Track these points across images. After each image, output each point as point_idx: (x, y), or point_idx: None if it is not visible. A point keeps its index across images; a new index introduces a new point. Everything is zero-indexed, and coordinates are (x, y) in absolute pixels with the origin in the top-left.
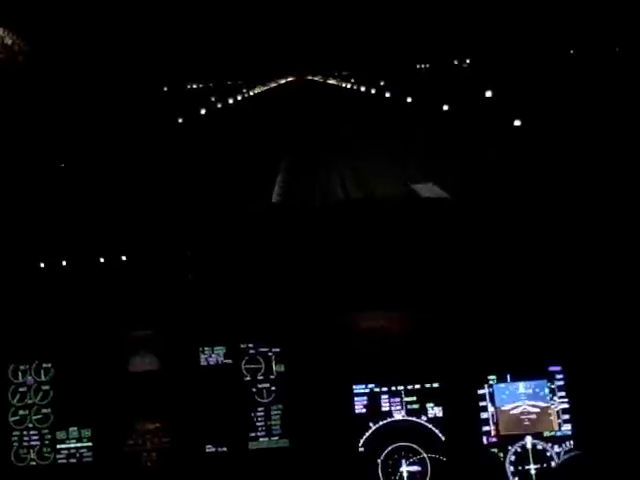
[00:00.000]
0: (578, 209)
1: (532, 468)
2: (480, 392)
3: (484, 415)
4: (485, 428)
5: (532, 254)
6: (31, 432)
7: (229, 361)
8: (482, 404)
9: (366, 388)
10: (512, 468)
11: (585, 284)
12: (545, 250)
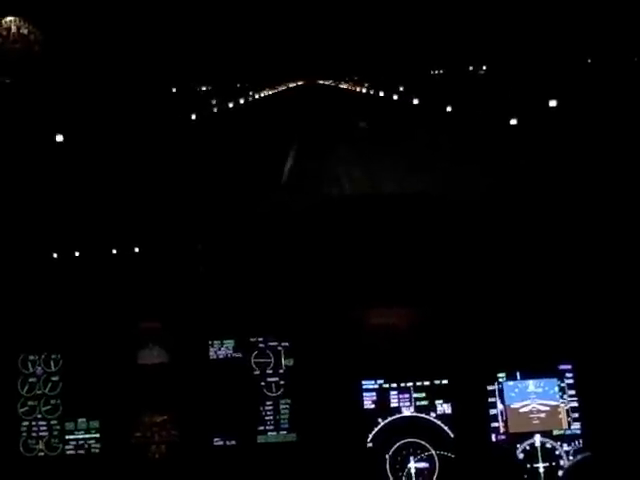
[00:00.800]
0: (591, 208)
1: (541, 466)
2: (489, 388)
3: (493, 411)
4: (494, 424)
5: (544, 251)
6: (40, 423)
7: (238, 355)
8: (491, 400)
9: (375, 384)
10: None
11: (595, 282)
12: (557, 247)
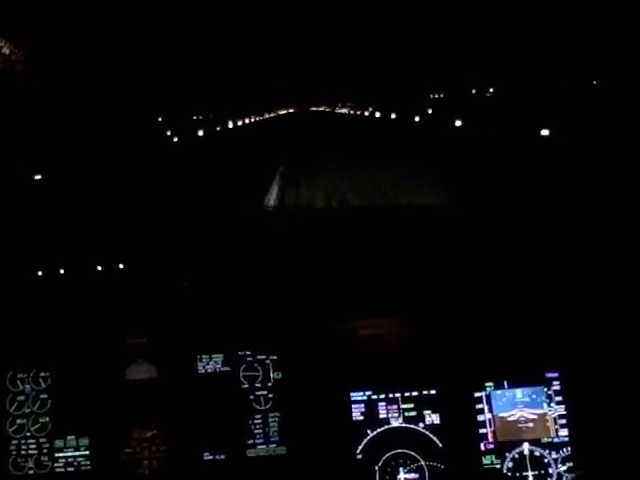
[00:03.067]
0: (575, 220)
1: (530, 475)
2: (477, 395)
3: (481, 417)
4: (482, 430)
5: (529, 263)
6: (29, 441)
7: (227, 369)
8: (479, 407)
9: (363, 395)
10: (510, 475)
11: (582, 291)
12: (542, 258)
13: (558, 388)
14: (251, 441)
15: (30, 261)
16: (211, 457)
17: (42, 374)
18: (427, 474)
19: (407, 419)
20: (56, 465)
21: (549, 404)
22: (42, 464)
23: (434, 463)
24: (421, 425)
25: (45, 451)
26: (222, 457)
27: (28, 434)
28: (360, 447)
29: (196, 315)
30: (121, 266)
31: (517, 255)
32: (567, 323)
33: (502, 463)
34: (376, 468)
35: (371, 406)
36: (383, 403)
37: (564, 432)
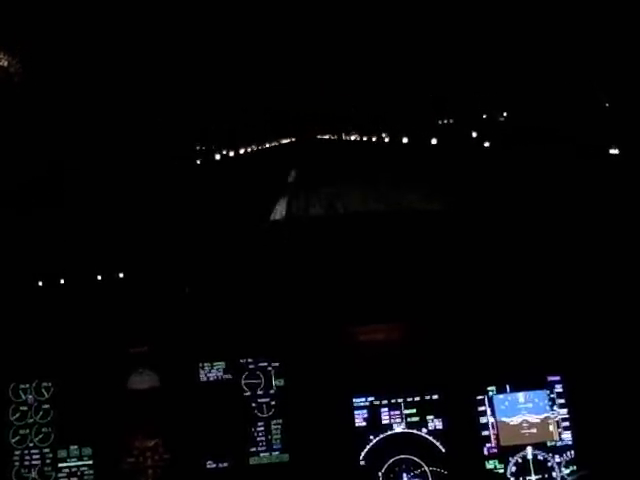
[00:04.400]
0: (575, 226)
1: (533, 479)
2: (479, 397)
3: (483, 420)
4: (484, 433)
5: (531, 267)
6: (32, 451)
7: (229, 376)
8: (481, 409)
9: (366, 401)
10: (513, 479)
11: (583, 295)
12: (543, 262)
13: (560, 391)
14: (254, 449)
15: (31, 271)
16: (214, 465)
17: (44, 384)
18: (430, 479)
19: (410, 424)
20: (59, 475)
21: (552, 407)
22: (45, 474)
23: (437, 468)
24: (424, 430)
25: (48, 461)
26: (225, 465)
27: (31, 444)
28: (363, 453)
29: (197, 323)
30: (121, 275)
31: (518, 259)
32: (568, 326)
33: (505, 467)
34: (379, 474)
35: (374, 412)
36: (386, 409)
37: (567, 435)
